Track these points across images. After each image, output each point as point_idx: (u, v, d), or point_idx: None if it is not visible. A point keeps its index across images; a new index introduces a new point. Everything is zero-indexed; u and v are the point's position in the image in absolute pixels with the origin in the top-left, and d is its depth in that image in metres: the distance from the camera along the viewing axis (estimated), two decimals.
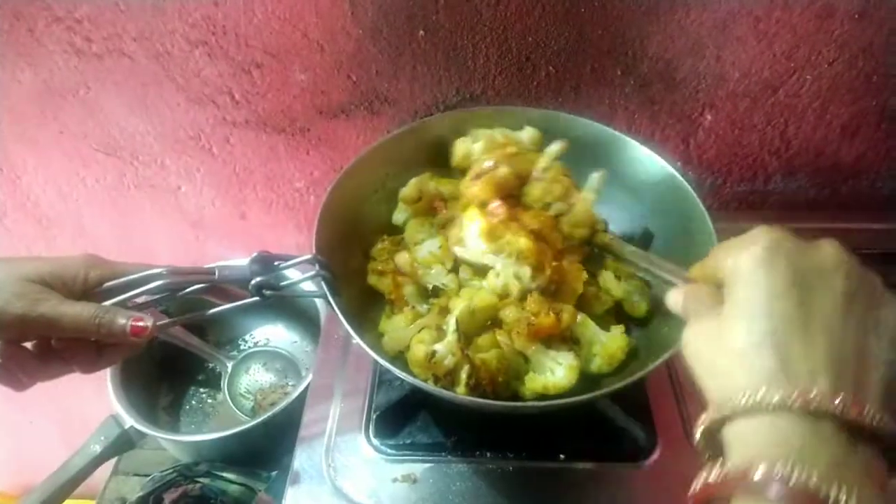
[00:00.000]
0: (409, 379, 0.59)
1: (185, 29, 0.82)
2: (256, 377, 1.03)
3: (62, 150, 0.98)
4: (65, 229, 1.11)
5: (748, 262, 0.38)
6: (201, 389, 1.09)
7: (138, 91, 0.89)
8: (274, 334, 1.14)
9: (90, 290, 0.53)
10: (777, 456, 0.31)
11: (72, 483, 0.89)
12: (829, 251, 0.38)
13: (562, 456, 0.68)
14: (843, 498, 0.29)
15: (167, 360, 1.06)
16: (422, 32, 0.82)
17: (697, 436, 0.37)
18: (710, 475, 0.34)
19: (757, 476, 0.31)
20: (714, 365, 0.38)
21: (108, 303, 0.53)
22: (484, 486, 0.67)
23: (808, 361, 0.34)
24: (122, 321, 0.52)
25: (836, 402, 0.32)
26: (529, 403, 0.60)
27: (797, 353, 0.34)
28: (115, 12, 0.81)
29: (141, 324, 0.52)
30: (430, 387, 0.59)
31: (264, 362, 1.04)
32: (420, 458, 0.69)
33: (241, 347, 1.13)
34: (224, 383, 0.99)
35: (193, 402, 1.07)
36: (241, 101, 0.90)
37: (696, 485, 0.35)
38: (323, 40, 0.83)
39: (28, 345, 0.53)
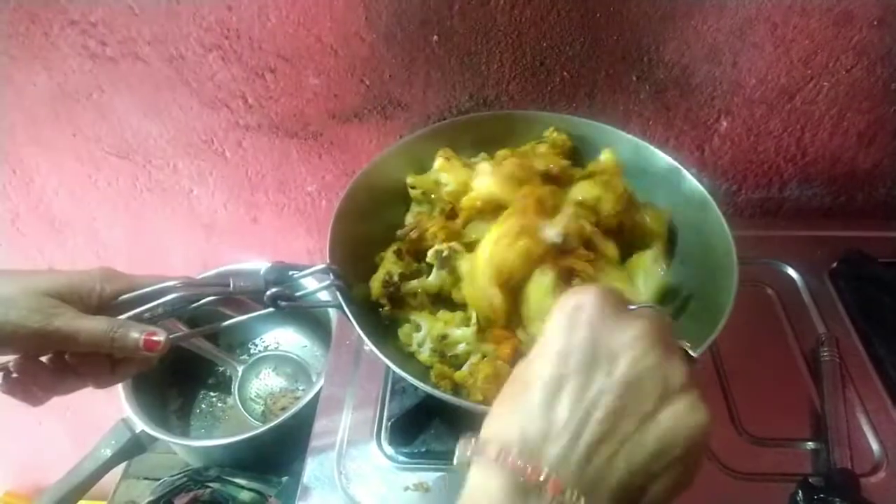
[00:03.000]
0: (423, 387, 0.58)
1: (199, 33, 0.82)
2: (267, 381, 1.02)
3: (75, 153, 0.98)
4: (77, 232, 1.11)
5: (551, 323, 0.36)
6: (212, 393, 1.09)
7: (152, 94, 0.90)
8: (284, 338, 1.14)
9: (105, 304, 0.53)
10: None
11: (82, 487, 0.89)
12: (632, 330, 0.34)
13: None
14: None
15: (178, 364, 1.05)
16: (436, 37, 0.81)
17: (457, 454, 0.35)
18: None
19: None
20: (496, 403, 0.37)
21: (122, 317, 0.52)
22: None
23: (545, 439, 0.32)
24: (135, 335, 0.51)
25: (548, 486, 0.30)
26: None
27: (536, 426, 0.32)
28: (130, 16, 0.81)
29: (154, 338, 0.52)
30: (444, 395, 0.58)
31: (275, 366, 1.04)
32: (433, 466, 0.68)
33: (252, 351, 1.13)
34: (234, 387, 0.99)
35: (204, 407, 1.07)
36: (255, 105, 0.90)
37: None
38: (337, 44, 0.83)
39: (43, 359, 0.52)
